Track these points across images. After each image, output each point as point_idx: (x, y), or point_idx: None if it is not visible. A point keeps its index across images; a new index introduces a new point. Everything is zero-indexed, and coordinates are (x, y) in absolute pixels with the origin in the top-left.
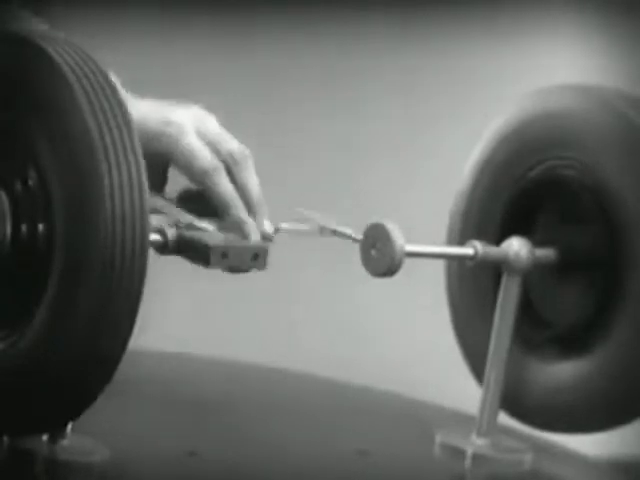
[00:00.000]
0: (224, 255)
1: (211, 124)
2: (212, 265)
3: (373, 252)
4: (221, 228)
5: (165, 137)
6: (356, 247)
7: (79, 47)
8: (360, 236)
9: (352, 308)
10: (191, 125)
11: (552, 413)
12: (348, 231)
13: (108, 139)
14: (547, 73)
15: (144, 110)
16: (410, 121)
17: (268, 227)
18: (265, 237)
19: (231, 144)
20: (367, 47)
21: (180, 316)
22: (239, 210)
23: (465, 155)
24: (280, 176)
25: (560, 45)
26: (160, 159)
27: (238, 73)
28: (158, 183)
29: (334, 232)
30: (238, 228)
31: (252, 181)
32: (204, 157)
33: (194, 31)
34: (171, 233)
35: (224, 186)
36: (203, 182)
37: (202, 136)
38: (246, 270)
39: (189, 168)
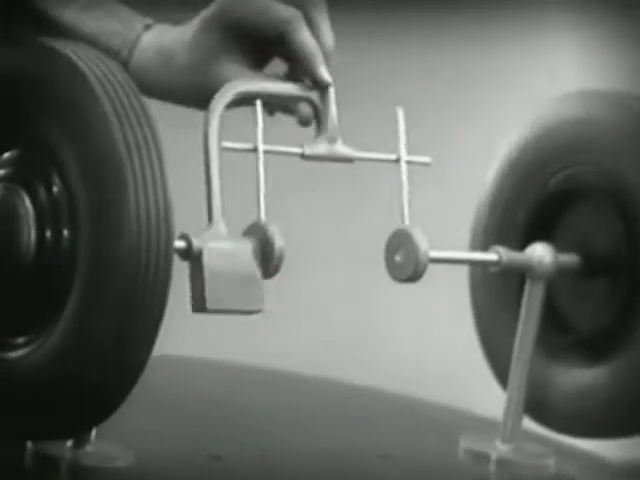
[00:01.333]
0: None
1: None
2: None
3: (397, 258)
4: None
5: (232, 4)
6: (377, 252)
7: (101, 55)
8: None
9: (373, 311)
10: None
11: (575, 418)
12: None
13: (133, 145)
14: (547, 73)
15: None
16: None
17: (325, 74)
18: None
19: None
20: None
21: (201, 321)
22: (318, 62)
23: (484, 160)
24: (284, 178)
25: (560, 45)
26: (239, 27)
27: None
28: (252, 59)
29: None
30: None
31: (327, 28)
32: (281, 6)
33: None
34: (195, 239)
35: (305, 35)
36: (283, 31)
37: None
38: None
39: (266, 20)
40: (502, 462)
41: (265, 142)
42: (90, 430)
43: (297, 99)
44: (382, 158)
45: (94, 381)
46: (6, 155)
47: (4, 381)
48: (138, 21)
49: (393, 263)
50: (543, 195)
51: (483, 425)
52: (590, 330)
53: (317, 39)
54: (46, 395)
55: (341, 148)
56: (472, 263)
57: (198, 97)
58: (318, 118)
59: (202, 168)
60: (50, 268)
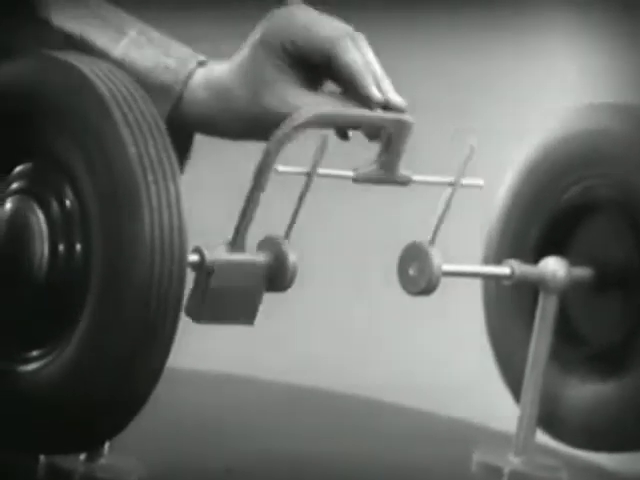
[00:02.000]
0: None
1: (312, 10)
2: None
3: (411, 271)
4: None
5: (279, 24)
6: (390, 265)
7: (114, 67)
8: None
9: (385, 324)
10: (296, 11)
11: (588, 432)
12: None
13: (146, 160)
14: (546, 73)
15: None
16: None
17: (398, 98)
18: (397, 109)
19: (341, 23)
20: None
21: (213, 335)
22: (368, 81)
23: (497, 172)
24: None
25: (560, 45)
26: (285, 48)
27: None
28: (307, 79)
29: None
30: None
31: (372, 54)
32: (329, 25)
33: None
34: (209, 253)
35: (353, 54)
36: (330, 51)
37: (311, 15)
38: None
39: (314, 38)
40: (515, 475)
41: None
42: (103, 444)
43: (374, 124)
44: (437, 181)
45: (107, 395)
46: (19, 168)
47: (17, 395)
48: (192, 57)
49: (406, 276)
50: (556, 208)
51: (496, 438)
52: (603, 344)
53: (365, 61)
54: (59, 409)
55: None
56: (485, 277)
57: (256, 129)
58: (387, 142)
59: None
60: (63, 282)
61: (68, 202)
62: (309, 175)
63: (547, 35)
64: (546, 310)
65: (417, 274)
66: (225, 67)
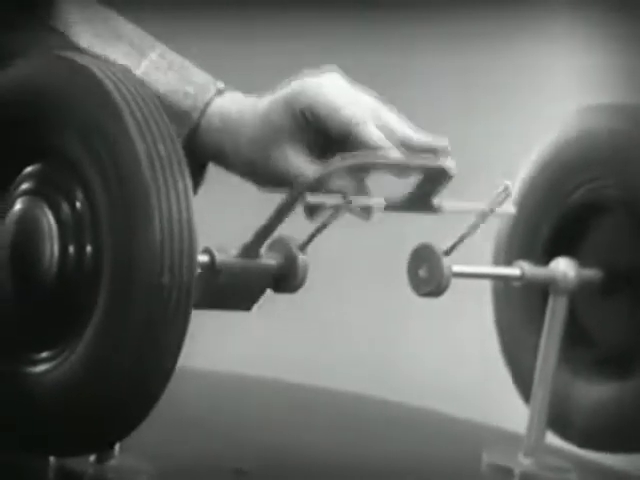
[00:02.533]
0: None
1: (343, 81)
2: None
3: (421, 272)
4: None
5: (305, 90)
6: (401, 265)
7: (126, 70)
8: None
9: (396, 324)
10: (325, 81)
11: (598, 433)
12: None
13: (156, 161)
14: (545, 73)
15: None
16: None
17: (439, 142)
18: (440, 152)
19: (367, 96)
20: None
21: (223, 334)
22: (393, 151)
23: (507, 172)
24: None
25: (560, 45)
26: (305, 117)
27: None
28: (316, 150)
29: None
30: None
31: (398, 122)
32: (351, 107)
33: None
34: (219, 254)
35: (375, 134)
36: (351, 129)
37: (337, 89)
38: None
39: (336, 116)
40: (525, 476)
41: None
42: (113, 445)
43: (416, 169)
44: (470, 209)
45: (118, 396)
46: (29, 169)
47: (28, 396)
48: (211, 84)
49: (416, 277)
50: (566, 209)
51: (506, 439)
52: (613, 345)
53: (388, 131)
54: (69, 410)
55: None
56: (495, 278)
57: (257, 174)
58: (423, 182)
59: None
60: (73, 283)
61: (78, 203)
62: (339, 208)
63: (547, 35)
64: (556, 311)
65: (427, 275)
66: (245, 107)
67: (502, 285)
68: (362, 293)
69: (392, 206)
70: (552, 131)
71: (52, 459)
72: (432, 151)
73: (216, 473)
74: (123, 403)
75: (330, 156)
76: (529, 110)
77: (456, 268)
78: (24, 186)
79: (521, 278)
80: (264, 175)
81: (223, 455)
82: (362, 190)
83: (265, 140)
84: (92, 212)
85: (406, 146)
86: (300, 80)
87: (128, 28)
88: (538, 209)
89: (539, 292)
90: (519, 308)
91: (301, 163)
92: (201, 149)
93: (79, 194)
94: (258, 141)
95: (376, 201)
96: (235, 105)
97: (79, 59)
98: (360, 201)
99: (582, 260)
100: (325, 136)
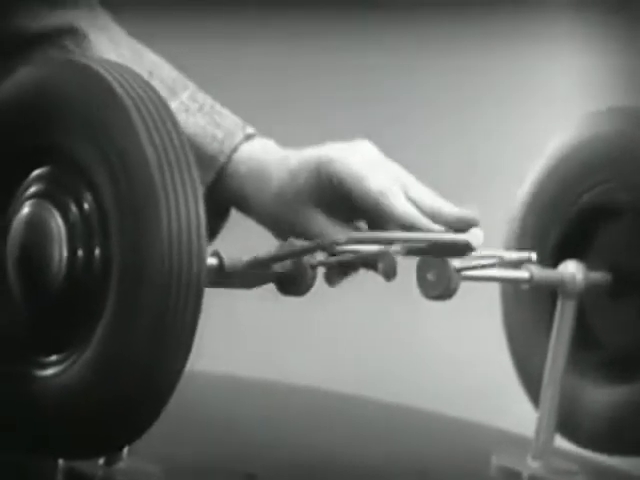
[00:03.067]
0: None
1: (373, 151)
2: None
3: (429, 275)
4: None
5: (334, 160)
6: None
7: (135, 72)
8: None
9: (404, 328)
10: (356, 152)
11: (606, 436)
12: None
13: (165, 164)
14: (545, 74)
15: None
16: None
17: (467, 215)
18: (469, 224)
19: (395, 166)
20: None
21: (232, 338)
22: (420, 222)
23: (516, 175)
24: None
25: (559, 46)
26: (332, 185)
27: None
28: (340, 215)
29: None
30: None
31: (425, 191)
32: (378, 177)
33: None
34: (227, 257)
35: (402, 208)
36: (379, 203)
37: (367, 162)
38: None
39: (364, 191)
40: (533, 479)
41: None
42: (122, 448)
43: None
44: (485, 264)
45: (127, 399)
46: (37, 172)
47: (37, 399)
48: (239, 129)
49: (425, 281)
50: (575, 212)
51: (515, 442)
52: (621, 348)
53: (417, 203)
54: (79, 413)
55: None
56: (504, 280)
57: (278, 227)
58: (450, 249)
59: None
60: (82, 286)
61: (87, 206)
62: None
63: (547, 35)
64: (564, 314)
65: (436, 278)
66: (275, 159)
67: (511, 288)
68: (369, 292)
69: (408, 254)
70: (558, 133)
71: (61, 462)
72: (462, 222)
73: (225, 476)
74: (132, 406)
75: (355, 220)
76: (529, 110)
77: (464, 271)
78: (32, 189)
79: (530, 281)
80: (285, 229)
81: (232, 458)
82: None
83: (291, 198)
84: (101, 215)
85: (436, 218)
86: (330, 148)
87: (160, 64)
88: (547, 212)
89: (548, 295)
90: (528, 311)
91: (324, 224)
92: (224, 194)
93: (88, 197)
94: (284, 197)
95: (394, 249)
96: (263, 155)
97: (88, 62)
98: (371, 249)
99: (590, 263)
100: (351, 203)
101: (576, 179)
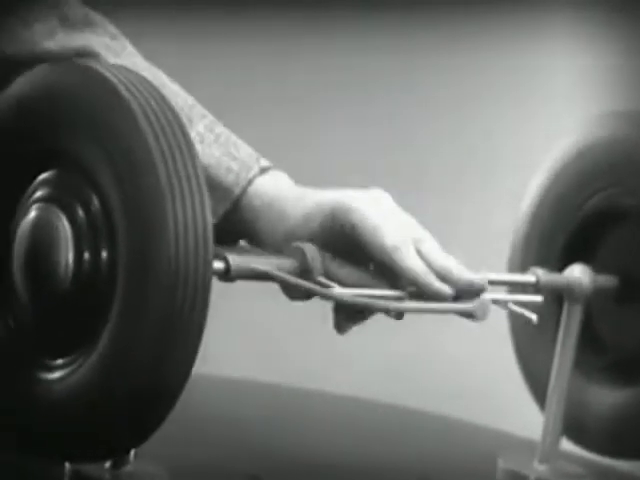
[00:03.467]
0: None
1: (389, 202)
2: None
3: None
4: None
5: (350, 209)
6: None
7: (141, 76)
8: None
9: (410, 331)
10: (372, 202)
11: (613, 439)
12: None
13: (172, 168)
14: (545, 73)
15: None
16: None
17: (476, 280)
18: (477, 290)
19: (410, 220)
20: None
21: (238, 341)
22: (429, 280)
23: (522, 178)
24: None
25: (560, 45)
26: (345, 232)
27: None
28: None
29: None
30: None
31: (438, 250)
32: (393, 232)
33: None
34: (233, 260)
35: (413, 262)
36: (391, 257)
37: (382, 213)
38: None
39: (377, 243)
40: None
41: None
42: (129, 451)
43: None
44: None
45: (133, 402)
46: (43, 175)
47: (44, 402)
48: (255, 161)
49: None
50: (581, 216)
51: (521, 446)
52: (628, 351)
53: (428, 260)
54: (86, 416)
55: None
56: (510, 284)
57: None
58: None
59: None
60: (89, 289)
61: (93, 209)
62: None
63: (548, 34)
64: (571, 318)
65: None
66: (290, 195)
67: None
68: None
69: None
70: (563, 138)
71: (68, 465)
72: (471, 289)
73: (229, 478)
74: (139, 409)
75: (364, 264)
76: (529, 109)
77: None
78: (39, 193)
79: (536, 285)
80: None
81: (238, 461)
82: None
83: (304, 237)
84: (107, 218)
85: (444, 278)
86: (347, 195)
87: (177, 92)
88: (553, 216)
89: (554, 299)
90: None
91: (334, 267)
92: (237, 226)
93: (94, 200)
94: (297, 235)
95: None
96: (278, 190)
97: (94, 66)
98: (381, 293)
99: (597, 267)
100: (363, 251)
101: (581, 183)
